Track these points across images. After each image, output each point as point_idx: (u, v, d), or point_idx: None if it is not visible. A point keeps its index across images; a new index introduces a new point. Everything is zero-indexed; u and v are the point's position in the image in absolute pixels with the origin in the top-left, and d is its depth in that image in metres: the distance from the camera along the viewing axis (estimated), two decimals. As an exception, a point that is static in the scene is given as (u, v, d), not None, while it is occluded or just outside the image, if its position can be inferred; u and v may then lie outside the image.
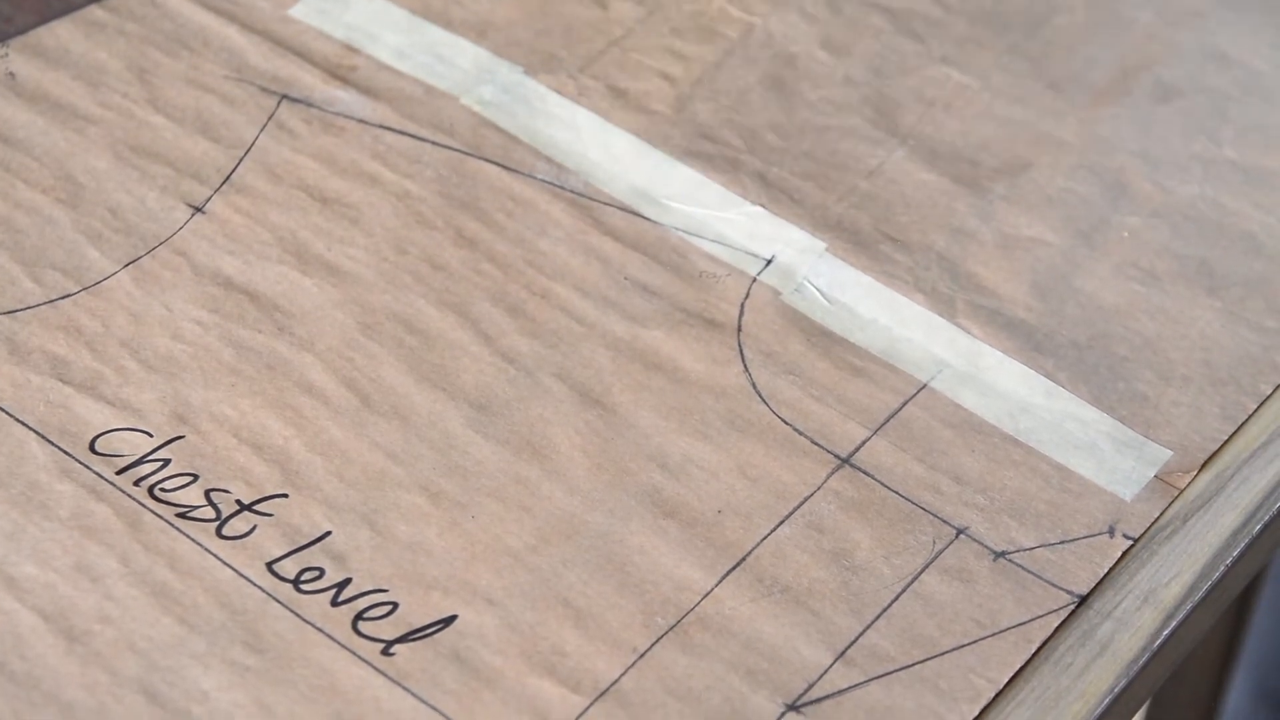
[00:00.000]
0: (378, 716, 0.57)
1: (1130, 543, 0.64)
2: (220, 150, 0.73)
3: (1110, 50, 0.82)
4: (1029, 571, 0.63)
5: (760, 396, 0.67)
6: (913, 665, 0.60)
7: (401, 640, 0.59)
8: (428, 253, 0.70)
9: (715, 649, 0.60)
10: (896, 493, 0.65)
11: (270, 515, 0.61)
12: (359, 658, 0.58)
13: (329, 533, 0.61)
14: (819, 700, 0.59)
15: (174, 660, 0.57)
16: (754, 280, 0.71)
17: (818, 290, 0.71)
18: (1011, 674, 0.60)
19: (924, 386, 0.68)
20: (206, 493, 0.62)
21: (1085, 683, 0.60)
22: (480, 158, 0.74)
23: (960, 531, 0.64)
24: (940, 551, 0.63)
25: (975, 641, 0.61)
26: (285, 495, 0.62)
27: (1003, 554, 0.63)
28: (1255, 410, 0.69)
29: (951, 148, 0.77)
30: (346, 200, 0.72)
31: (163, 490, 0.62)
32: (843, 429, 0.66)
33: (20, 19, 0.77)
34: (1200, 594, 0.63)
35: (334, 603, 0.59)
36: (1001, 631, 0.61)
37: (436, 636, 0.59)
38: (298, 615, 0.59)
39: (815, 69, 0.80)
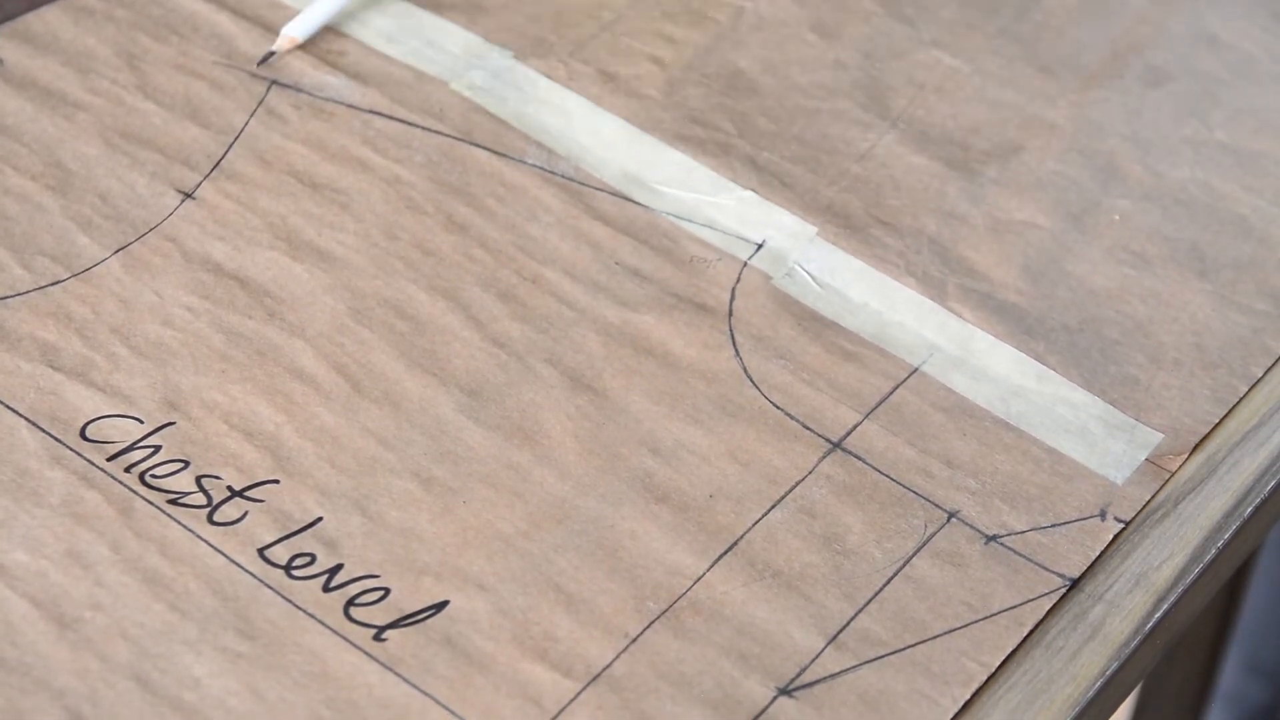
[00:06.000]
0: (369, 702, 0.57)
1: (1121, 526, 0.64)
2: (210, 136, 0.73)
3: (1101, 33, 0.82)
4: (1020, 555, 0.63)
5: (751, 381, 0.67)
6: (904, 649, 0.60)
7: (393, 626, 0.59)
8: (418, 238, 0.70)
9: (707, 634, 0.60)
10: (888, 477, 0.65)
11: (261, 501, 0.61)
12: (351, 644, 0.58)
13: (320, 519, 0.61)
14: (811, 684, 0.59)
15: (165, 647, 0.57)
16: (745, 265, 0.71)
17: (809, 275, 0.71)
18: (1003, 657, 0.60)
19: (915, 370, 0.68)
20: (197, 479, 0.62)
21: (1077, 666, 0.60)
22: (470, 143, 0.74)
23: (951, 515, 0.64)
24: (932, 535, 0.63)
25: (967, 625, 0.61)
26: (276, 481, 0.62)
27: (994, 537, 0.63)
28: (1246, 393, 0.69)
29: (942, 131, 0.77)
30: (336, 186, 0.72)
31: (154, 477, 0.62)
32: (834, 413, 0.66)
33: (9, 5, 0.77)
34: (1192, 577, 0.63)
35: (325, 589, 0.59)
36: (993, 615, 0.61)
37: (428, 622, 0.59)
38: (289, 601, 0.59)
39: (805, 52, 0.80)
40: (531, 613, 0.59)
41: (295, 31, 0.76)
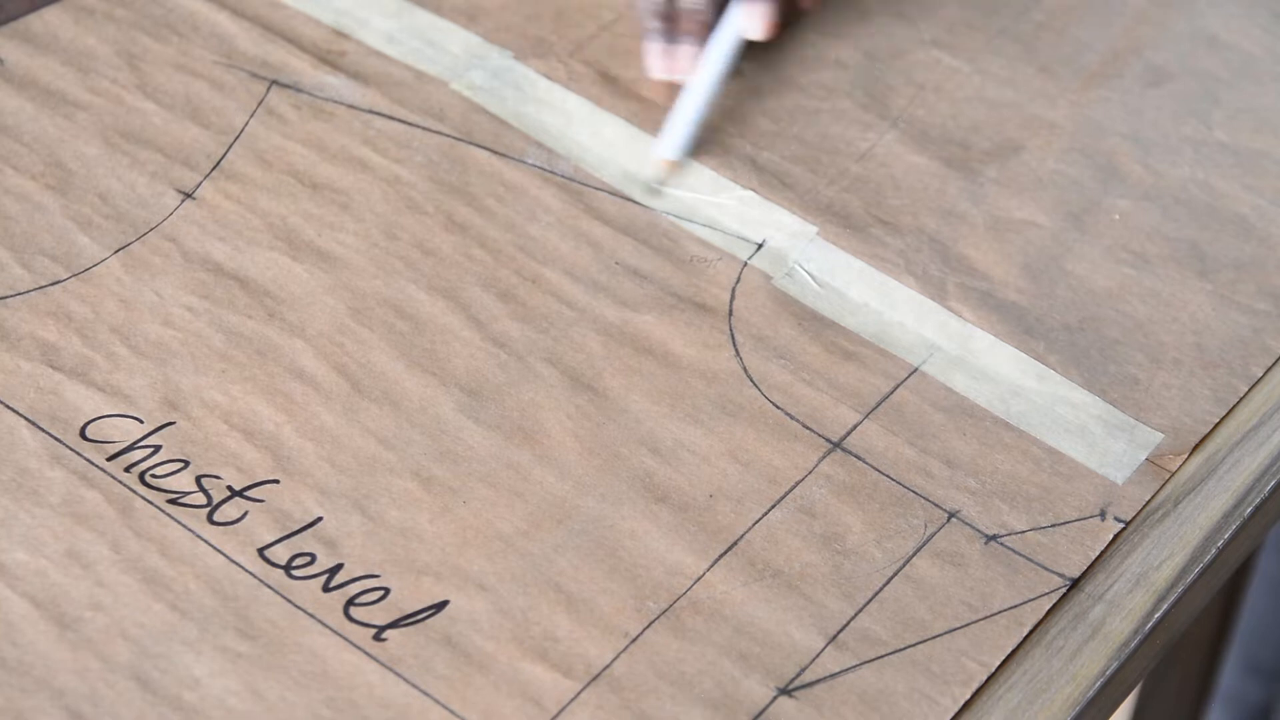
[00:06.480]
0: (369, 702, 0.57)
1: (1122, 525, 0.64)
2: (210, 136, 0.73)
3: (1101, 33, 0.82)
4: (1020, 555, 0.63)
5: (751, 381, 0.67)
6: (904, 649, 0.60)
7: (393, 625, 0.59)
8: (418, 238, 0.70)
9: (707, 633, 0.60)
10: (888, 476, 0.65)
11: (261, 501, 0.61)
12: (351, 643, 0.58)
13: (320, 518, 0.61)
14: (811, 684, 0.59)
15: (165, 647, 0.57)
16: (745, 265, 0.71)
17: (809, 274, 0.71)
18: (1003, 657, 0.60)
19: (915, 370, 0.68)
20: (197, 479, 0.62)
21: (1077, 665, 0.60)
22: (470, 143, 0.74)
23: (952, 515, 0.64)
24: (932, 535, 0.63)
25: (967, 625, 0.61)
26: (276, 481, 0.62)
27: (994, 537, 0.63)
28: (1246, 393, 0.69)
29: (942, 131, 0.77)
30: (337, 186, 0.72)
31: (154, 476, 0.62)
32: (834, 413, 0.66)
33: (10, 6, 0.77)
34: (1192, 576, 0.63)
35: (325, 588, 0.59)
36: (993, 615, 0.61)
37: (428, 622, 0.59)
38: (289, 601, 0.59)
39: (806, 52, 0.80)
40: (531, 613, 0.59)
41: (668, 153, 0.73)
